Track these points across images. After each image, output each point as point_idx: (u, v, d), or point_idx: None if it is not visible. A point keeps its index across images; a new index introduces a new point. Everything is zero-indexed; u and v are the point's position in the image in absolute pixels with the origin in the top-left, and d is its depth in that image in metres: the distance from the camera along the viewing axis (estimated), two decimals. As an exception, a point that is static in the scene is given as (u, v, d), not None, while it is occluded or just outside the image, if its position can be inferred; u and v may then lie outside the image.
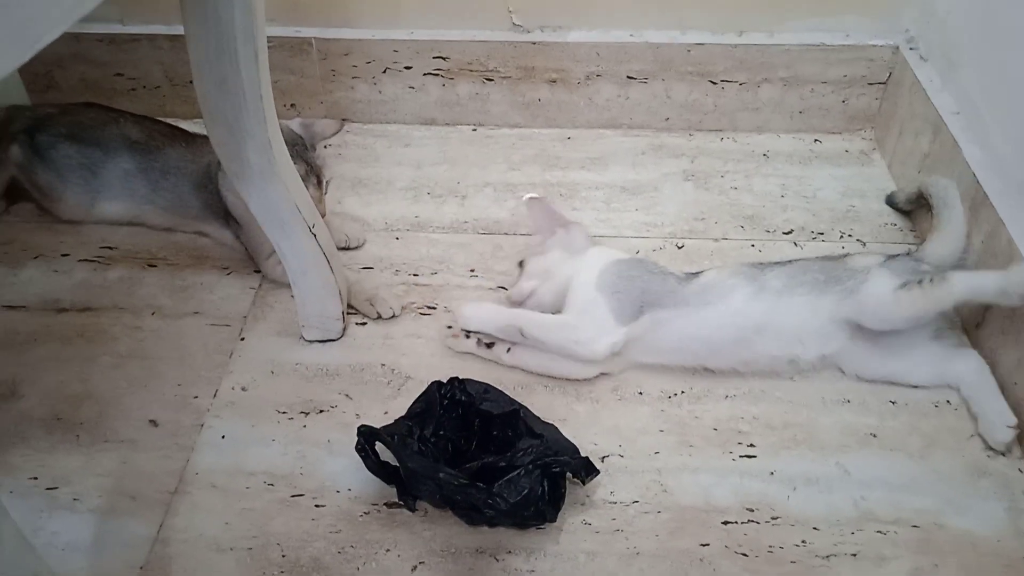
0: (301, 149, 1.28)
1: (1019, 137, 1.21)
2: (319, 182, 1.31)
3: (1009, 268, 1.11)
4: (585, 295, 1.18)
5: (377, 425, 1.05)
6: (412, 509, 1.04)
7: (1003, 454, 1.09)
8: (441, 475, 0.97)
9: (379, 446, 1.04)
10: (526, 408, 1.07)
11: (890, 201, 1.49)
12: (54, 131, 1.42)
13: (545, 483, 0.99)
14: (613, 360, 1.18)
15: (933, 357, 1.17)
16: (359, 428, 1.04)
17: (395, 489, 1.04)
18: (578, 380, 1.19)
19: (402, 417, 1.08)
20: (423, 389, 1.10)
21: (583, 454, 1.04)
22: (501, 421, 1.07)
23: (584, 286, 1.19)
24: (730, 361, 1.19)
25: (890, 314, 1.13)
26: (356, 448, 1.03)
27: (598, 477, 1.05)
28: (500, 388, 1.11)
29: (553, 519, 1.01)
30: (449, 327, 1.27)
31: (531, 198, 1.32)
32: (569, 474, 1.03)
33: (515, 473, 0.97)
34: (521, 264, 1.30)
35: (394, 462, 1.03)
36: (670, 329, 1.17)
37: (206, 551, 1.01)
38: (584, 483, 1.05)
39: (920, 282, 1.11)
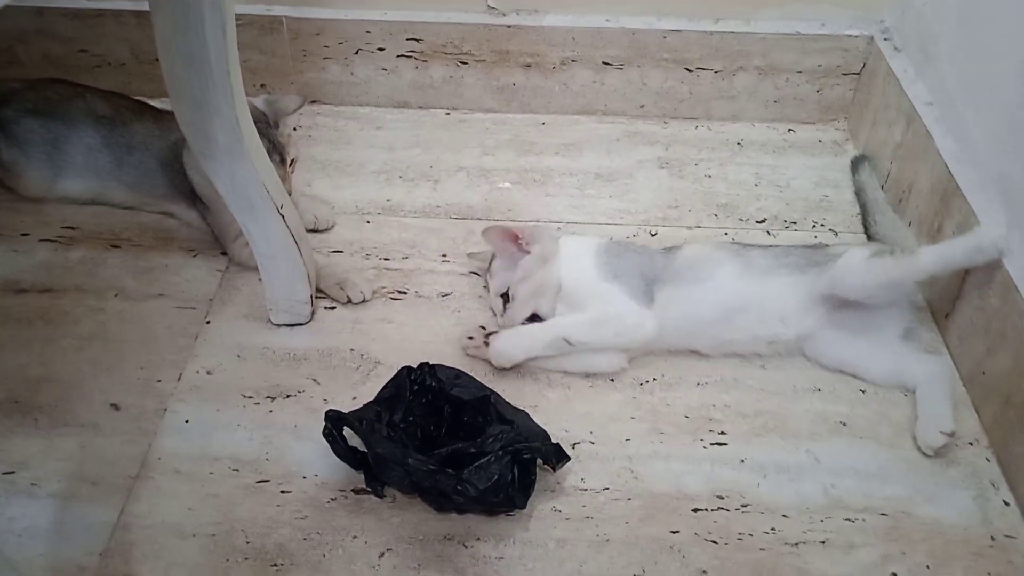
0: (264, 127, 1.25)
1: (993, 128, 1.21)
2: (283, 160, 1.28)
3: (971, 231, 1.14)
4: (596, 291, 1.17)
5: (345, 410, 1.03)
6: (380, 495, 1.02)
7: (929, 457, 1.08)
8: (410, 461, 0.96)
9: (347, 431, 1.03)
10: (497, 394, 1.06)
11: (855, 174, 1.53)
12: (19, 106, 1.38)
13: (515, 469, 0.98)
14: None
15: (897, 355, 1.17)
16: (327, 413, 1.02)
17: (363, 475, 1.03)
18: (606, 373, 1.18)
19: (371, 402, 1.06)
20: (393, 374, 1.08)
21: (554, 440, 1.03)
22: (471, 407, 1.05)
23: (589, 284, 1.18)
24: (716, 340, 1.19)
25: (863, 281, 1.14)
26: (323, 433, 1.02)
27: (568, 464, 1.04)
28: (471, 374, 1.10)
29: (523, 506, 1.00)
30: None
31: (486, 230, 1.24)
32: (539, 460, 1.02)
33: (485, 459, 0.96)
34: (502, 292, 1.23)
35: (362, 448, 1.02)
36: (676, 306, 1.17)
37: (168, 537, 0.99)
38: (555, 470, 1.04)
39: (892, 252, 1.15)
